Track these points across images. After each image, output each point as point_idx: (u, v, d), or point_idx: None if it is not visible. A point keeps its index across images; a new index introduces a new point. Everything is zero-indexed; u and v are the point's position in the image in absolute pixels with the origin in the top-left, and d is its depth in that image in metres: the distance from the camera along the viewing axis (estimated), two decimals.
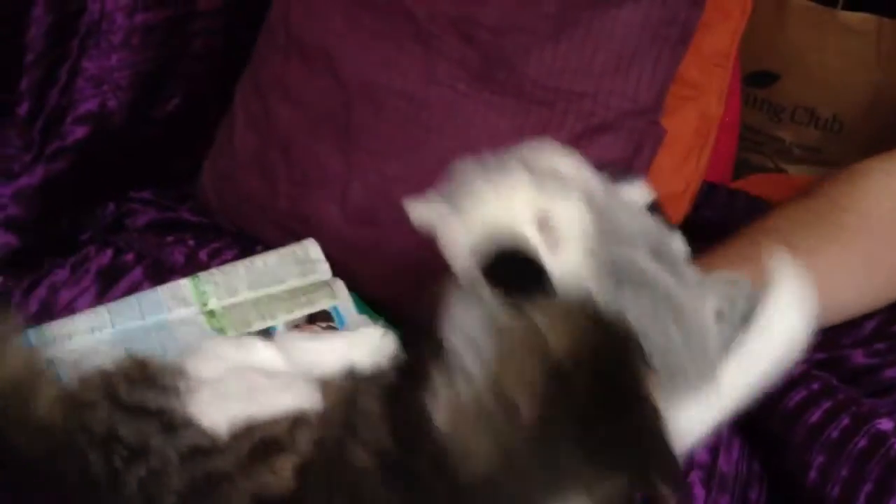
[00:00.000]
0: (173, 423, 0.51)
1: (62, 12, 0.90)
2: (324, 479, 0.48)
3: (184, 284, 0.82)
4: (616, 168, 0.82)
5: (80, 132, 0.94)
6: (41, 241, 0.94)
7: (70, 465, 0.50)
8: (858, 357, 0.73)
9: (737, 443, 0.70)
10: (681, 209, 0.91)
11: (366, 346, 0.59)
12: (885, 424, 0.64)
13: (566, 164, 0.54)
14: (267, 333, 0.78)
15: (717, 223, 0.77)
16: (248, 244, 0.93)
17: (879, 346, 0.74)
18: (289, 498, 0.48)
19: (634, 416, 0.47)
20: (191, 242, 0.93)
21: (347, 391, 0.53)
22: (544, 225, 0.50)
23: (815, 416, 0.66)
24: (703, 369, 0.52)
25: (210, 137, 1.00)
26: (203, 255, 0.92)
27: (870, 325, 0.75)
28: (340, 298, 0.83)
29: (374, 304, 0.86)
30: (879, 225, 0.74)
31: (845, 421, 0.65)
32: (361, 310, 0.83)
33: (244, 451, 0.49)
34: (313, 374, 0.54)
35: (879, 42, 1.14)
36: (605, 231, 0.51)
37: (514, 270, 0.49)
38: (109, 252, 0.92)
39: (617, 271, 0.50)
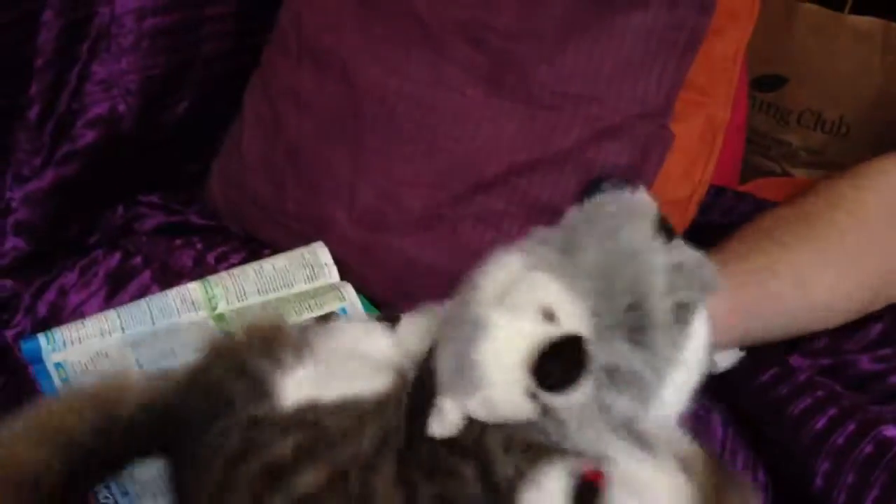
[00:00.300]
0: (259, 391, 0.53)
1: (72, 16, 0.89)
2: None
3: (193, 288, 0.82)
4: (620, 175, 0.82)
5: (89, 136, 0.94)
6: (50, 245, 0.94)
7: (190, 406, 0.55)
8: (864, 363, 0.73)
9: (741, 451, 0.70)
10: (688, 214, 0.91)
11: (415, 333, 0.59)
12: (890, 431, 0.64)
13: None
14: None
15: (723, 227, 0.77)
16: (256, 248, 0.94)
17: (885, 351, 0.74)
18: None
19: None
20: (199, 246, 0.94)
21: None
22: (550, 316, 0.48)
23: (821, 423, 0.66)
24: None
25: (219, 141, 1.01)
26: (211, 258, 0.92)
27: (876, 329, 0.75)
28: (349, 301, 0.83)
29: (381, 306, 0.86)
30: (871, 224, 0.73)
31: (851, 427, 0.65)
32: (370, 312, 0.84)
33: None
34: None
35: (886, 46, 1.14)
36: None
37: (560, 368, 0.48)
38: (118, 255, 0.92)
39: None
